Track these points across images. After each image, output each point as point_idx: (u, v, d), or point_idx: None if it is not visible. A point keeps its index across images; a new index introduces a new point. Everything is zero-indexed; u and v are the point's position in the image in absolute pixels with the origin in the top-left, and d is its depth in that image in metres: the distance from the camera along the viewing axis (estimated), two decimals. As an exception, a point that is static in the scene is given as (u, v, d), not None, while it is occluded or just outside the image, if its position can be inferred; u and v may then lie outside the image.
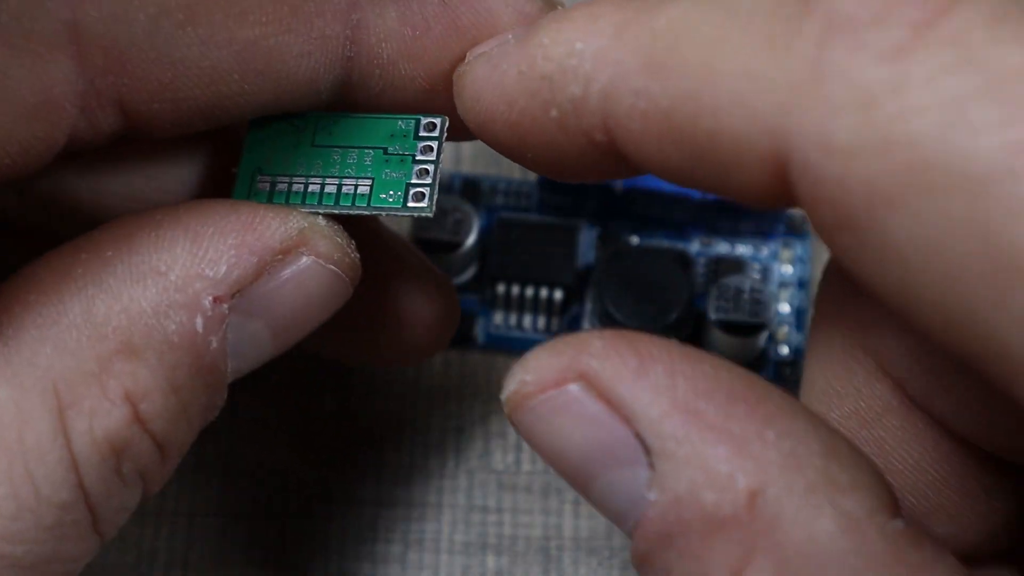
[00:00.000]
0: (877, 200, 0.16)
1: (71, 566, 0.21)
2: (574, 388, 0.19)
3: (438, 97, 0.23)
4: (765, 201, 0.18)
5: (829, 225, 0.17)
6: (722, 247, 0.32)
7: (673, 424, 0.19)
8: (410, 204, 0.23)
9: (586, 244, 0.32)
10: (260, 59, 0.23)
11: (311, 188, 0.23)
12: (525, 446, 0.31)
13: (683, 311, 0.30)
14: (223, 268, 0.21)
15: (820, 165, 0.17)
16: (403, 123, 0.23)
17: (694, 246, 0.32)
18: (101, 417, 0.20)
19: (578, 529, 0.30)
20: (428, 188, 0.23)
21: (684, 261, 0.31)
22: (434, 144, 0.23)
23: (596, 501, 0.20)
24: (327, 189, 0.23)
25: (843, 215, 0.17)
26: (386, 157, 0.23)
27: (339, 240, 0.23)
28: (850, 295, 0.21)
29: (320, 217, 0.23)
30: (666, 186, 0.31)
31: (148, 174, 0.26)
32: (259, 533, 0.30)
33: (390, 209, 0.23)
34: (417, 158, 0.23)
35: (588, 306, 0.32)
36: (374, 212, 0.23)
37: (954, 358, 0.17)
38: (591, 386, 0.19)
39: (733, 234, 0.32)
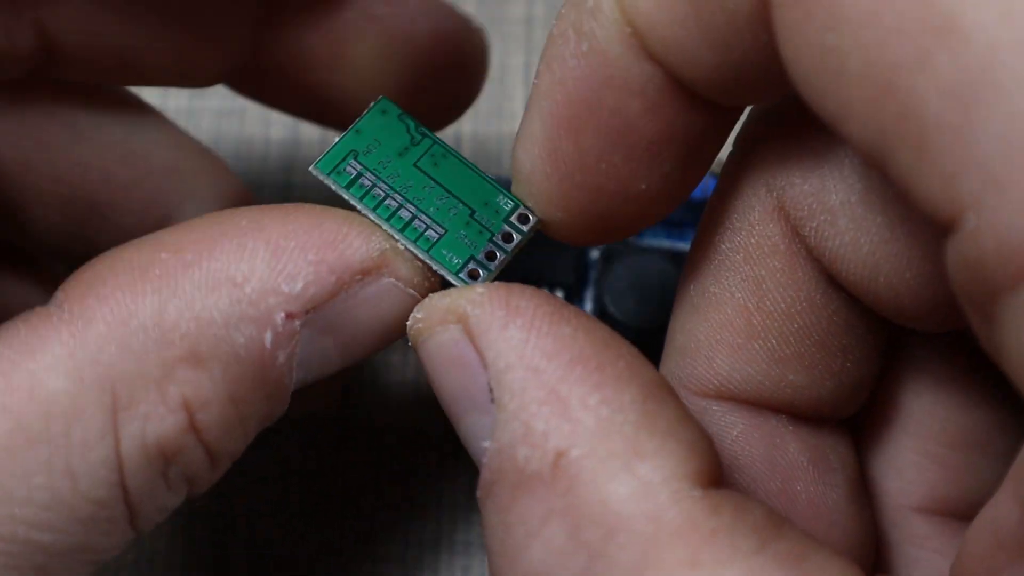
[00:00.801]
0: None
1: (102, 555, 0.21)
2: (453, 329, 0.21)
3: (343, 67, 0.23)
4: (760, 29, 0.18)
5: (780, 1, 0.17)
6: (722, 247, 0.32)
7: (513, 377, 0.19)
8: (462, 275, 0.22)
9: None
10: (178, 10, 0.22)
11: (388, 202, 0.23)
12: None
13: (683, 311, 0.30)
14: (299, 285, 0.21)
15: None
16: (503, 199, 0.23)
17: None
18: (155, 422, 0.20)
19: (578, 529, 0.30)
20: (486, 272, 0.23)
21: (684, 261, 0.31)
22: (517, 236, 0.23)
23: (463, 441, 0.21)
24: (401, 213, 0.23)
25: None
26: (469, 220, 0.23)
27: (419, 264, 0.22)
28: (767, 136, 0.22)
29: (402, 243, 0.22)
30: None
31: (63, 122, 0.25)
32: (259, 533, 0.30)
33: (442, 268, 0.22)
34: (495, 238, 0.23)
35: (588, 306, 0.32)
36: (426, 260, 0.22)
37: (863, 147, 0.17)
38: (465, 330, 0.20)
39: (733, 234, 0.32)
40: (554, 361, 0.19)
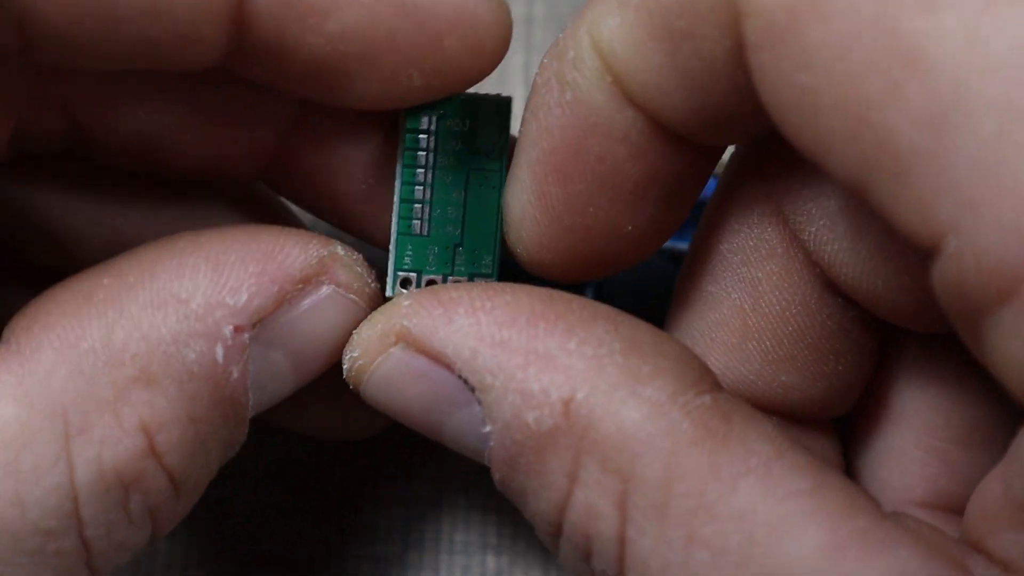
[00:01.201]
0: (799, 3, 0.17)
1: None
2: (396, 351, 0.21)
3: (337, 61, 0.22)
4: (737, 72, 0.18)
5: (755, 41, 0.17)
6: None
7: (484, 358, 0.20)
8: (399, 274, 0.23)
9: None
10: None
11: (418, 173, 0.23)
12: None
13: (683, 311, 0.30)
14: (244, 296, 0.21)
15: None
16: (487, 260, 0.23)
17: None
18: (112, 446, 0.20)
19: (578, 529, 0.30)
20: (412, 290, 0.23)
21: (684, 261, 0.31)
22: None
23: (452, 445, 0.21)
24: (417, 191, 0.23)
25: (768, 24, 0.17)
26: (450, 246, 0.23)
27: (359, 269, 0.22)
28: (767, 141, 0.22)
29: (339, 245, 0.22)
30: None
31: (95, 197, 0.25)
32: (259, 533, 0.30)
33: (392, 255, 0.23)
34: (448, 279, 0.23)
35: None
36: (391, 240, 0.23)
37: (844, 180, 0.17)
38: (410, 344, 0.21)
39: (733, 234, 0.32)
40: (514, 327, 0.20)
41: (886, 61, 0.16)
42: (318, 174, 0.24)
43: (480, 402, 0.20)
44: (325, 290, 0.22)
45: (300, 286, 0.22)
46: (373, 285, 0.23)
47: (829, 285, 0.22)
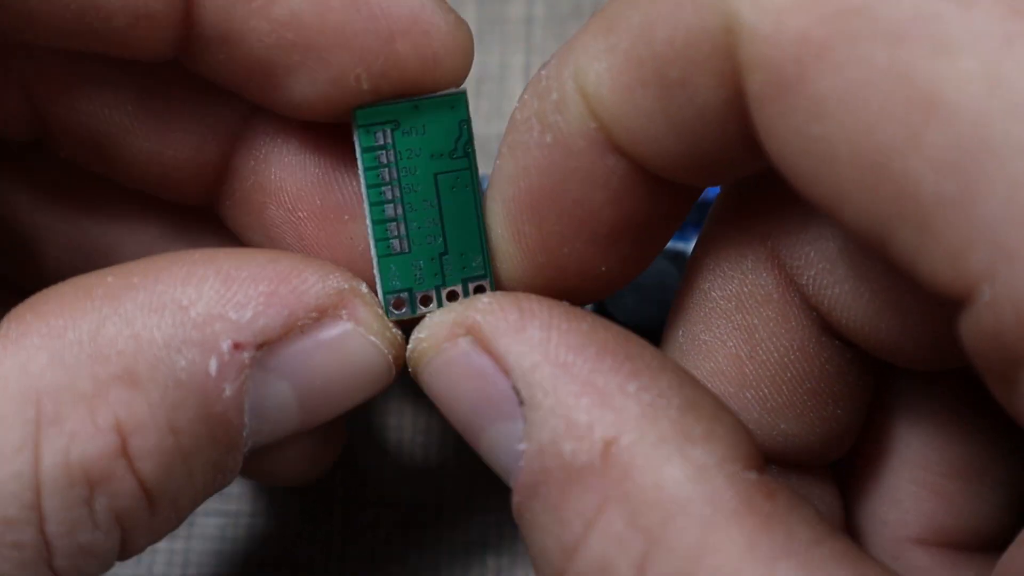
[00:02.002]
0: (807, 53, 0.16)
1: None
2: (463, 342, 0.20)
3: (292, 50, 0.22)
4: (731, 121, 0.18)
5: (761, 93, 0.17)
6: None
7: (542, 375, 0.19)
8: (389, 298, 0.22)
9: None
10: None
11: (385, 190, 0.22)
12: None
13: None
14: (248, 314, 0.20)
15: (755, 24, 0.17)
16: (478, 260, 0.22)
17: (694, 246, 0.32)
18: (81, 441, 0.19)
19: (578, 529, 0.30)
20: (409, 310, 0.22)
21: (684, 261, 0.31)
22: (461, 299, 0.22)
23: (485, 455, 0.20)
24: (387, 209, 0.22)
25: (775, 76, 0.17)
26: (435, 256, 0.22)
27: (380, 311, 0.22)
28: (760, 182, 0.22)
29: (363, 284, 0.22)
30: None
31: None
32: (259, 533, 0.30)
33: (377, 279, 0.22)
34: (442, 289, 0.22)
35: (588, 306, 0.32)
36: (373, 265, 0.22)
37: (860, 231, 0.17)
38: (478, 339, 0.20)
39: (733, 234, 0.32)
40: (582, 354, 0.19)
41: (904, 107, 0.15)
42: (260, 194, 0.24)
43: (525, 419, 0.19)
44: (343, 326, 0.21)
45: (314, 315, 0.21)
46: (397, 333, 0.22)
47: (827, 328, 0.22)
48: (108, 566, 0.20)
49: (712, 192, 0.31)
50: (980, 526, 0.23)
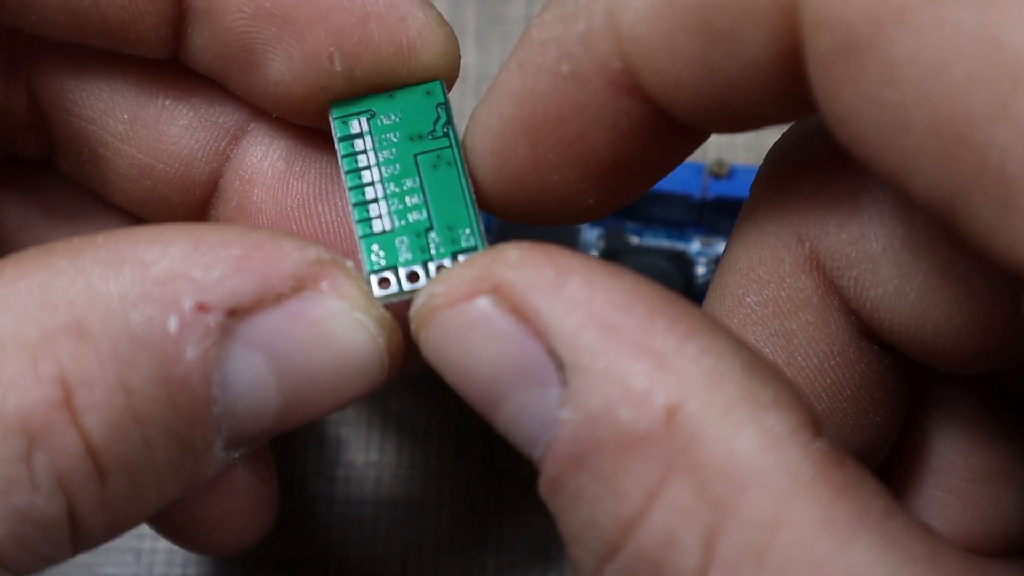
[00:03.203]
0: (884, 13, 0.15)
1: None
2: (484, 302, 0.18)
3: (266, 26, 0.22)
4: (779, 86, 0.17)
5: (828, 54, 0.16)
6: (722, 247, 0.32)
7: (589, 337, 0.18)
8: (372, 277, 0.21)
9: (587, 244, 0.32)
10: None
11: (364, 173, 0.22)
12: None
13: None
14: (215, 274, 0.19)
15: None
16: (468, 234, 0.21)
17: (694, 246, 0.32)
18: (18, 390, 0.18)
19: (578, 529, 0.30)
20: (395, 290, 0.21)
21: (684, 261, 0.31)
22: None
23: (505, 425, 0.19)
24: (368, 191, 0.22)
25: (845, 37, 0.15)
26: (421, 233, 0.21)
27: (366, 287, 0.20)
28: (797, 181, 0.21)
29: (350, 261, 0.20)
30: (666, 186, 0.31)
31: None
32: (259, 533, 0.30)
33: (361, 258, 0.21)
34: (430, 263, 0.21)
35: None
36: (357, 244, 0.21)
37: (930, 203, 0.16)
38: (504, 299, 0.18)
39: (733, 234, 0.33)
40: (631, 314, 0.18)
41: (991, 74, 0.14)
42: (242, 216, 0.24)
43: (566, 383, 0.18)
44: (324, 300, 0.20)
45: (291, 283, 0.19)
46: (385, 312, 0.20)
47: (866, 333, 0.21)
48: (59, 547, 0.19)
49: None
50: (1007, 531, 0.23)
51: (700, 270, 0.32)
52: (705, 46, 0.17)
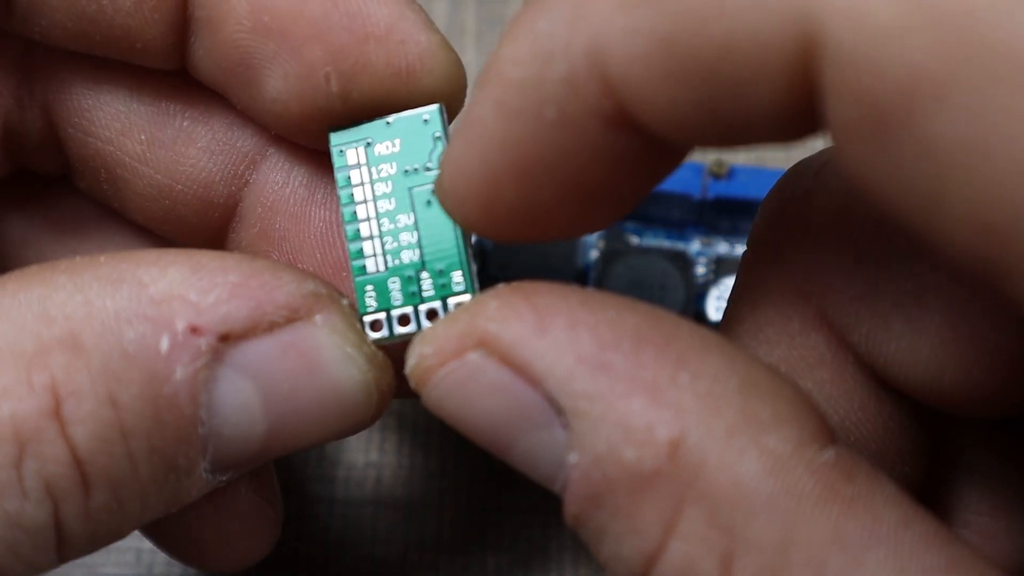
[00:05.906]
0: (922, 90, 0.14)
1: None
2: (474, 357, 0.19)
3: (267, 39, 0.22)
4: (787, 123, 0.16)
5: (854, 125, 0.15)
6: (722, 247, 0.32)
7: (582, 381, 0.18)
8: (366, 320, 0.21)
9: (586, 244, 0.32)
10: None
11: (359, 209, 0.22)
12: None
13: (683, 311, 0.30)
14: (210, 299, 0.19)
15: (853, 49, 0.14)
16: (459, 277, 0.21)
17: (694, 246, 0.32)
18: (14, 397, 0.18)
19: (578, 529, 0.30)
20: (386, 334, 0.21)
21: (684, 261, 0.31)
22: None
23: (520, 467, 0.19)
24: (362, 227, 0.21)
25: (876, 111, 0.14)
26: (412, 275, 0.21)
27: (359, 326, 0.21)
28: (796, 236, 0.20)
29: (346, 300, 0.21)
30: (666, 186, 0.31)
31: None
32: (259, 533, 0.30)
33: (356, 302, 0.21)
34: (419, 308, 0.21)
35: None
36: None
37: (965, 265, 0.15)
38: (492, 352, 0.18)
39: (733, 234, 0.32)
40: (619, 350, 0.18)
41: None
42: (265, 243, 0.24)
43: (568, 427, 0.18)
44: (319, 334, 0.20)
45: (284, 313, 0.20)
46: (377, 352, 0.21)
47: (884, 383, 0.20)
48: (45, 553, 0.19)
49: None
50: (1021, 563, 0.22)
51: (700, 270, 0.32)
52: (708, 93, 0.16)
